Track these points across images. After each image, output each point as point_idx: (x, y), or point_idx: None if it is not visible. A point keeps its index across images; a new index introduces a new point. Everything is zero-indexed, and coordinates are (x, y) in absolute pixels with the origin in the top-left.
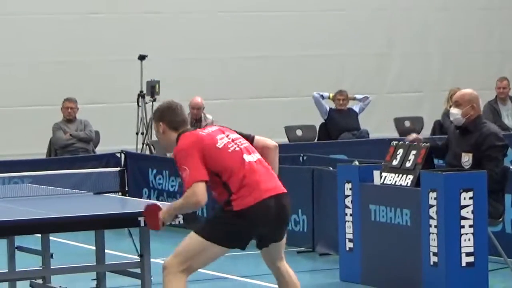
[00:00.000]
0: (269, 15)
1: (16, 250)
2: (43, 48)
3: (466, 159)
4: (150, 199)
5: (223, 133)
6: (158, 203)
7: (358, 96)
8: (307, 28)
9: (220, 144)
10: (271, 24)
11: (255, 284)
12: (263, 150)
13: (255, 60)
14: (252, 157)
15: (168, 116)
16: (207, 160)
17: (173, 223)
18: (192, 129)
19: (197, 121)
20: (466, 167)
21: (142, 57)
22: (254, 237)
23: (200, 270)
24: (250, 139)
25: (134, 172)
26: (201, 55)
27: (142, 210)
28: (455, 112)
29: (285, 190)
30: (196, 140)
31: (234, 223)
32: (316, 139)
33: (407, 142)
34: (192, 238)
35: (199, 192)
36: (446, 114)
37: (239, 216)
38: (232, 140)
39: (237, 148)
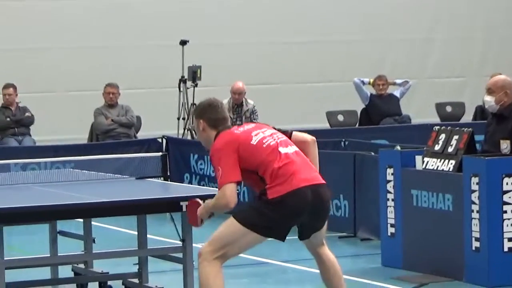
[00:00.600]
0: (312, 0)
1: (58, 235)
2: (85, 33)
3: (505, 146)
4: (191, 184)
5: (259, 129)
6: (201, 187)
7: (398, 81)
8: (349, 14)
9: (254, 141)
10: (314, 9)
11: (296, 268)
12: (301, 145)
13: (297, 46)
14: (289, 149)
15: (208, 114)
16: (242, 158)
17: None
18: (230, 127)
19: (238, 106)
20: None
21: (183, 42)
22: (296, 227)
23: (240, 255)
24: (288, 134)
25: (175, 157)
26: (243, 39)
27: (184, 195)
28: (488, 99)
29: (323, 181)
30: (231, 139)
31: (270, 211)
32: (357, 124)
33: None
34: (230, 225)
35: (229, 194)
36: None
37: (273, 204)
38: (267, 136)
39: (272, 142)
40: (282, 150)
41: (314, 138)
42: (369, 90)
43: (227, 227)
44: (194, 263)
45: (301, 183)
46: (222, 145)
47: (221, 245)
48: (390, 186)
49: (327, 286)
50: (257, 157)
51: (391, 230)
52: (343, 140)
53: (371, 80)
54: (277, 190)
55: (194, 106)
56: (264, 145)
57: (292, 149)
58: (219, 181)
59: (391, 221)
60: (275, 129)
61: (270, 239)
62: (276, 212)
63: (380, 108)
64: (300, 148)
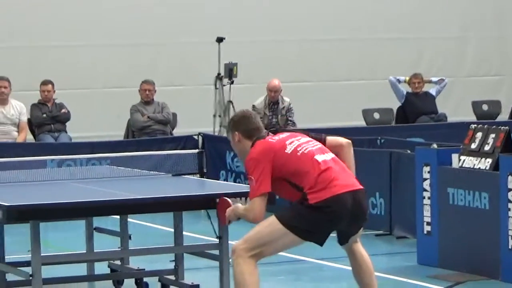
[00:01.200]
0: None
1: (94, 231)
2: (122, 30)
3: None
4: (227, 181)
5: (294, 138)
6: (237, 185)
7: (434, 79)
8: (384, 12)
9: (289, 149)
10: (349, 7)
11: (332, 266)
12: (336, 149)
13: (333, 43)
14: (326, 156)
15: (243, 125)
16: (277, 167)
17: None
18: (265, 136)
19: (274, 104)
20: None
21: (220, 40)
22: (335, 232)
23: None
24: (322, 140)
25: (211, 154)
26: (279, 37)
27: (220, 192)
28: None
29: (361, 187)
30: (267, 148)
31: (311, 216)
32: (393, 122)
33: None
34: (270, 225)
35: (257, 209)
36: None
37: (315, 209)
38: (302, 144)
39: (307, 151)
40: (319, 157)
41: (349, 141)
42: (405, 88)
43: (266, 227)
44: (230, 260)
45: (342, 189)
46: (258, 154)
47: (258, 244)
48: (426, 184)
49: (358, 282)
50: (292, 165)
51: (427, 228)
52: (379, 138)
53: (407, 78)
54: (319, 195)
55: (231, 103)
56: (299, 153)
57: (328, 156)
58: (250, 192)
59: (427, 219)
60: (309, 135)
61: None
62: (317, 217)
63: (416, 106)
64: (336, 152)
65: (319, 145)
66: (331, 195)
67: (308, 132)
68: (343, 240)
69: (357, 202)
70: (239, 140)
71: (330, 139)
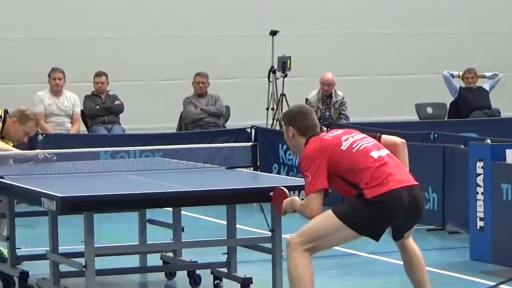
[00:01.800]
0: None
1: (147, 223)
2: (176, 23)
3: None
4: (279, 174)
5: (349, 134)
6: (289, 178)
7: (487, 74)
8: (438, 6)
9: (344, 146)
10: (403, 1)
11: (383, 260)
12: (391, 148)
13: (387, 37)
14: (381, 152)
15: (299, 122)
16: (332, 164)
17: None
18: (319, 133)
19: (328, 97)
20: None
21: (273, 33)
22: (390, 227)
23: None
24: (377, 137)
25: (264, 147)
26: (333, 31)
27: (273, 185)
28: None
29: (417, 183)
30: (323, 146)
31: (368, 211)
32: (446, 117)
33: None
34: (326, 219)
35: (314, 205)
36: None
37: (372, 203)
38: (357, 140)
39: (362, 147)
40: (375, 154)
41: (404, 141)
42: (458, 83)
43: (322, 220)
44: (283, 253)
45: (398, 184)
46: (313, 151)
47: (314, 238)
48: (479, 180)
49: (409, 276)
50: (347, 162)
51: (480, 223)
52: (432, 132)
53: (460, 73)
54: (375, 190)
55: (284, 96)
56: (354, 150)
57: (384, 152)
58: (306, 188)
59: (480, 214)
60: (363, 132)
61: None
62: (374, 211)
63: (470, 101)
64: (390, 151)
65: (374, 141)
66: (387, 190)
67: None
68: (398, 235)
69: (413, 198)
70: (293, 136)
71: (385, 137)
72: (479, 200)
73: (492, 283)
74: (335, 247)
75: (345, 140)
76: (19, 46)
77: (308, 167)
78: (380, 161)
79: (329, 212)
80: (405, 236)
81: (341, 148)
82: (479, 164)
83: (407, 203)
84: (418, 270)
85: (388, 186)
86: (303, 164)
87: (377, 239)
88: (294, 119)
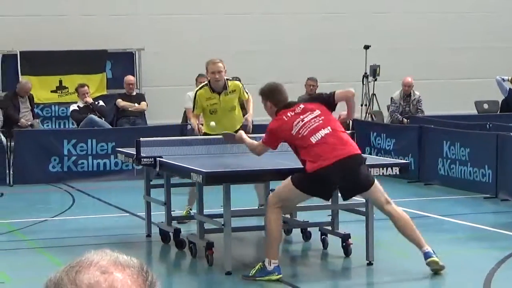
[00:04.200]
0: (466, 13)
1: (270, 192)
2: (293, 39)
3: None
4: (371, 155)
5: (303, 115)
6: (378, 157)
7: None
8: (491, 25)
9: (294, 131)
10: (469, 22)
11: (450, 221)
12: (346, 100)
13: (454, 50)
14: (323, 132)
15: (271, 97)
16: (285, 138)
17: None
18: (288, 106)
19: (408, 96)
20: None
21: (366, 47)
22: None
23: (407, 209)
24: (331, 98)
25: (360, 135)
26: (413, 45)
27: (367, 163)
28: None
29: (354, 152)
30: (278, 126)
31: (310, 180)
32: (498, 111)
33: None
34: (287, 186)
35: (258, 151)
36: None
37: (311, 175)
38: (306, 123)
39: (306, 132)
40: (317, 135)
41: (352, 91)
42: (508, 86)
43: (284, 187)
44: (374, 215)
45: (331, 160)
46: (272, 127)
47: (279, 199)
48: None
49: (404, 235)
50: (295, 141)
51: None
52: (488, 123)
53: (510, 78)
54: (313, 166)
55: (375, 96)
56: (300, 135)
57: (325, 131)
58: (262, 139)
59: None
60: (321, 98)
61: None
62: (313, 181)
63: None
64: (346, 102)
65: (320, 121)
66: (320, 167)
67: (320, 95)
68: (345, 196)
69: (346, 167)
70: (270, 107)
71: (338, 93)
72: None
73: None
74: (412, 210)
75: (296, 125)
76: (175, 57)
77: (267, 132)
78: (319, 142)
79: (288, 180)
80: (378, 203)
81: (291, 132)
82: None
83: (339, 173)
84: (407, 228)
85: (321, 163)
86: (267, 129)
87: (326, 199)
88: (269, 95)
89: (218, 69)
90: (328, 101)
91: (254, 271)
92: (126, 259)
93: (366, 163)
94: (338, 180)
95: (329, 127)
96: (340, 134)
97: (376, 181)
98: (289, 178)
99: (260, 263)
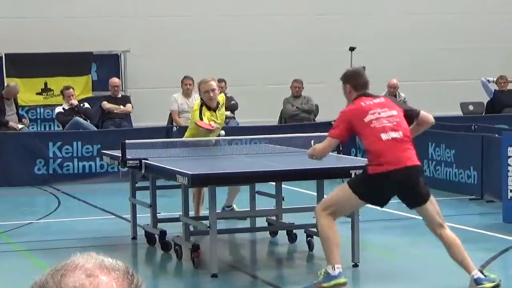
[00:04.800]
0: (458, 16)
1: (256, 194)
2: (280, 41)
3: None
4: (356, 156)
5: (380, 109)
6: (363, 159)
7: None
8: (478, 28)
9: (367, 118)
10: (453, 23)
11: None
12: (423, 123)
13: (439, 51)
14: (394, 134)
15: (352, 80)
16: (355, 126)
17: None
18: (367, 94)
19: (393, 97)
20: None
21: (352, 48)
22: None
23: (395, 211)
24: (415, 114)
25: None
26: (398, 46)
27: (353, 165)
28: None
29: (416, 163)
30: (353, 109)
31: (369, 184)
32: (483, 113)
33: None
34: (342, 189)
35: (324, 144)
36: None
37: (371, 179)
38: (381, 118)
39: (380, 125)
40: (386, 135)
41: (433, 121)
42: (493, 87)
43: (339, 191)
44: (359, 217)
45: (393, 166)
46: (346, 111)
47: (332, 204)
48: (510, 161)
49: (453, 259)
50: (364, 131)
51: (510, 194)
52: (473, 124)
53: (495, 79)
54: (375, 168)
55: None
56: (372, 125)
57: (397, 134)
58: (328, 132)
59: (510, 187)
60: (404, 110)
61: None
62: (373, 185)
63: (502, 101)
64: (420, 124)
65: (395, 122)
66: (383, 171)
67: (405, 105)
68: (409, 205)
69: (406, 176)
70: (349, 92)
71: (423, 114)
72: (510, 176)
73: None
74: (399, 212)
75: (372, 114)
76: (160, 59)
77: (338, 119)
78: (385, 144)
79: (344, 184)
80: (432, 224)
81: (363, 119)
82: (510, 149)
83: (400, 181)
84: (458, 254)
85: (384, 167)
86: (340, 113)
87: (380, 206)
88: (350, 78)
89: (212, 87)
90: (409, 114)
91: (320, 279)
92: (111, 262)
93: None
94: (398, 187)
95: (400, 132)
96: (407, 143)
97: (432, 197)
98: (345, 182)
99: (323, 270)
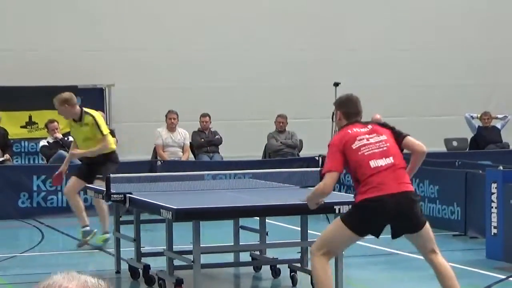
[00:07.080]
0: (443, 52)
1: (240, 229)
2: (258, 75)
3: None
4: (340, 192)
5: (368, 135)
6: (348, 195)
7: (499, 116)
8: (462, 63)
9: (355, 145)
10: (438, 60)
11: (421, 258)
12: (410, 150)
13: (422, 88)
14: (383, 161)
15: (343, 107)
16: (345, 154)
17: None
18: (356, 122)
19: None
20: None
21: (336, 84)
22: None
23: (377, 247)
24: (401, 138)
25: None
26: (382, 82)
27: (336, 200)
28: None
29: (409, 189)
30: (340, 137)
31: (358, 213)
32: (467, 149)
33: None
34: (334, 224)
35: (326, 181)
36: None
37: (360, 207)
38: (369, 144)
39: (368, 152)
40: (375, 162)
41: (424, 151)
42: (476, 123)
43: (331, 226)
44: (344, 253)
45: (383, 192)
46: (334, 141)
47: (325, 243)
48: (494, 197)
49: (441, 285)
50: (353, 158)
51: (494, 230)
52: (457, 161)
53: (479, 115)
54: (362, 196)
55: None
56: (360, 153)
57: (386, 161)
58: (323, 169)
59: (494, 223)
60: (392, 131)
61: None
62: (362, 214)
63: (486, 137)
64: (411, 152)
65: (385, 148)
66: (370, 196)
67: (393, 128)
68: (395, 235)
69: (398, 203)
70: (339, 119)
71: (408, 140)
72: (493, 213)
73: (503, 276)
74: (382, 247)
75: (359, 140)
76: (145, 93)
77: (328, 153)
78: (375, 170)
79: (337, 219)
80: (426, 250)
81: (352, 145)
82: (494, 185)
83: (391, 208)
84: (446, 279)
85: (373, 193)
86: (328, 145)
87: (376, 235)
88: (342, 105)
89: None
90: (397, 138)
91: None
92: (93, 282)
93: None
94: (392, 214)
95: (391, 158)
96: (399, 168)
97: (427, 224)
98: (337, 218)
99: None
